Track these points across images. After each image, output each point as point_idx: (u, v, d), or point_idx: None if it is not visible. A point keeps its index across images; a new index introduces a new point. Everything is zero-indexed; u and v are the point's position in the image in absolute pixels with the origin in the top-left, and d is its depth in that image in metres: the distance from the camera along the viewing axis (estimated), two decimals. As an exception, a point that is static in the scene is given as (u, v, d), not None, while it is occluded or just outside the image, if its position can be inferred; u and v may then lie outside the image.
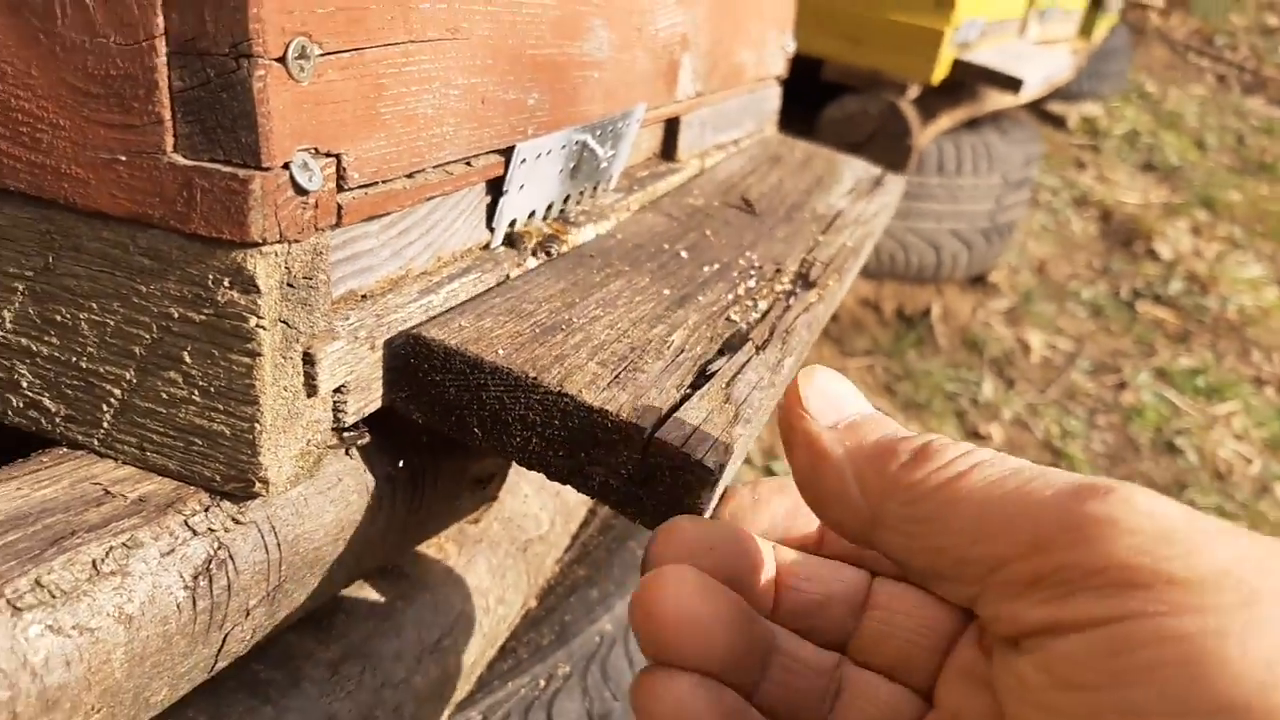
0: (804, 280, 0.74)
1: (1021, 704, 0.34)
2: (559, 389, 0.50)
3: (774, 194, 0.95)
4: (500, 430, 0.52)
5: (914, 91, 2.30)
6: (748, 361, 0.58)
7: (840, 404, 0.43)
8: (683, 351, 0.58)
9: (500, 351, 0.52)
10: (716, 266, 0.72)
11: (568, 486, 0.53)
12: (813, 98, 2.27)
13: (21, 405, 0.52)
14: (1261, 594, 0.29)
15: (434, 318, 0.56)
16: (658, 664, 0.41)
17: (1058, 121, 5.14)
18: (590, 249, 0.70)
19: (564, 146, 0.69)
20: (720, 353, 0.59)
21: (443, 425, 0.54)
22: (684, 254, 0.73)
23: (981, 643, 0.41)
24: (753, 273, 0.73)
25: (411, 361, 0.53)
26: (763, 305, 0.67)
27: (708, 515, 0.50)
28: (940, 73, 2.23)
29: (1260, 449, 2.72)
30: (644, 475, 0.49)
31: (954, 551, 0.36)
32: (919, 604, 0.45)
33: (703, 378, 0.56)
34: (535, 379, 0.51)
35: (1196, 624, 0.29)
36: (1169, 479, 2.49)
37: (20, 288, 0.49)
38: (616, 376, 0.53)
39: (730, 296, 0.67)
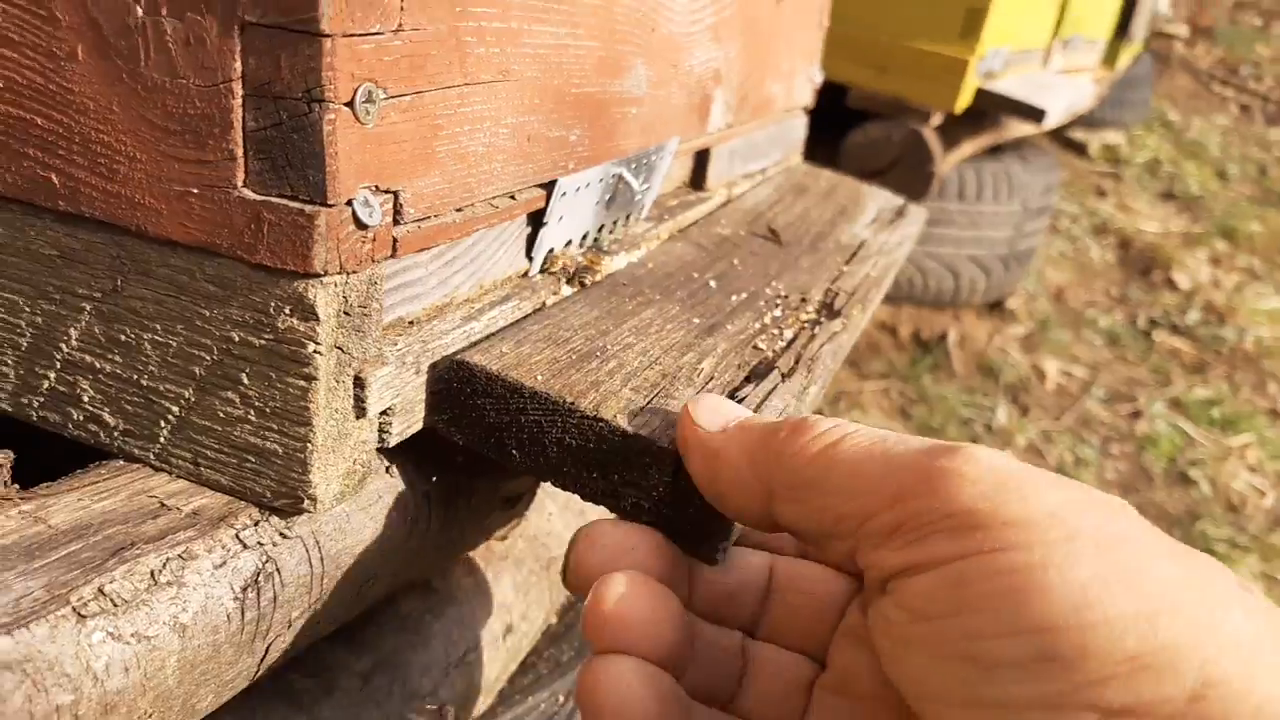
0: (829, 310, 0.76)
1: (887, 639, 0.38)
2: (594, 414, 0.52)
3: (799, 223, 0.96)
4: (538, 453, 0.54)
5: (937, 119, 2.32)
6: (774, 389, 0.60)
7: (726, 414, 0.48)
8: (712, 379, 0.60)
9: (539, 377, 0.55)
10: (744, 296, 0.74)
11: (591, 507, 0.56)
12: (837, 123, 2.29)
13: (82, 419, 0.55)
14: (1081, 531, 0.33)
15: (475, 344, 0.58)
16: (599, 653, 0.45)
17: (1079, 149, 5.15)
18: (623, 277, 0.72)
19: (601, 179, 0.71)
20: (747, 380, 0.61)
21: (482, 447, 0.56)
22: (713, 283, 0.75)
23: (862, 604, 0.45)
24: (779, 302, 0.75)
25: (455, 385, 0.56)
26: (788, 334, 0.69)
27: (733, 539, 0.52)
28: (964, 101, 2.25)
29: (1274, 482, 2.72)
30: (675, 498, 0.51)
31: (832, 510, 0.40)
32: (815, 580, 0.50)
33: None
34: (572, 404, 0.53)
35: (1024, 558, 0.33)
36: (1181, 510, 2.50)
37: (88, 308, 0.51)
38: (649, 402, 0.55)
39: (757, 325, 0.69)
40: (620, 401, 0.54)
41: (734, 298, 0.73)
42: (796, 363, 0.65)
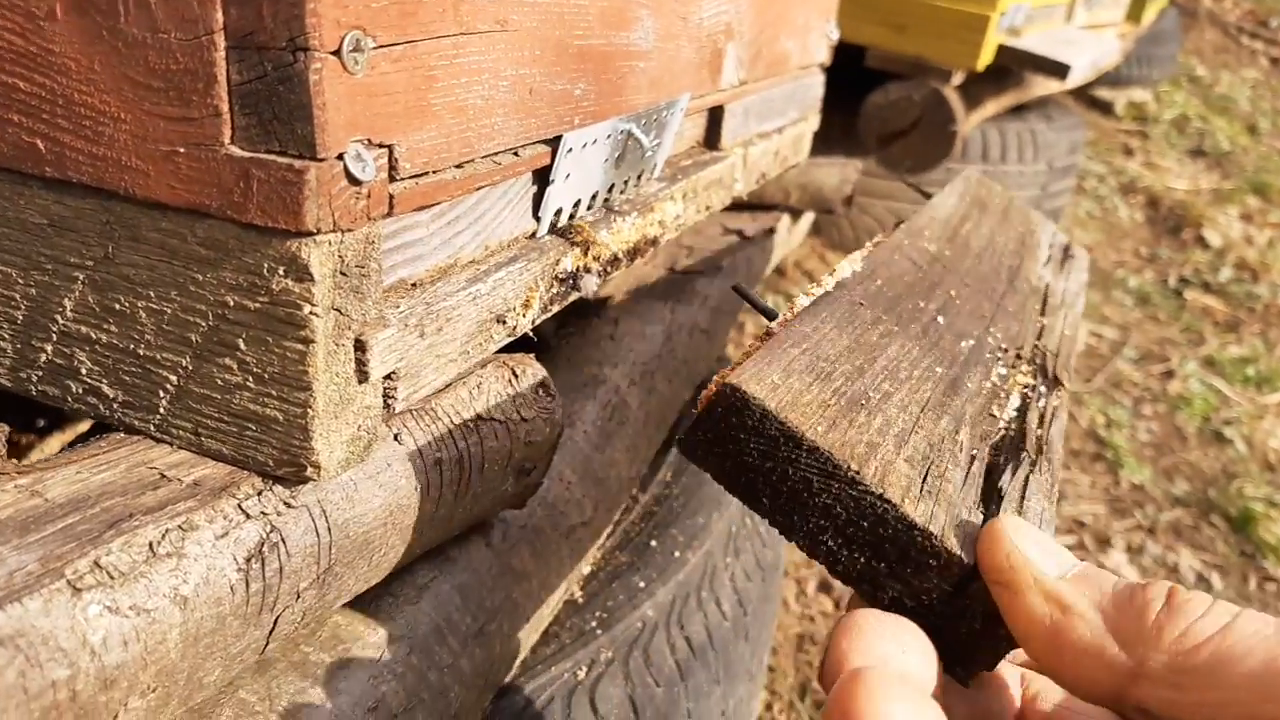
0: (1043, 374, 0.71)
1: None
2: (880, 491, 0.46)
3: (990, 250, 0.91)
4: (793, 510, 0.48)
5: (959, 78, 2.27)
6: (1027, 482, 0.55)
7: (1055, 554, 0.42)
8: (973, 459, 0.54)
9: (818, 428, 0.47)
10: (971, 343, 0.69)
11: (611, 476, 0.53)
12: (857, 85, 2.25)
13: (81, 391, 0.53)
14: None
15: (738, 364, 0.51)
16: None
17: (1105, 107, 5.06)
18: (857, 294, 0.66)
19: (610, 136, 0.69)
20: (996, 462, 0.56)
21: (730, 485, 0.49)
22: (940, 320, 0.70)
23: None
24: (1000, 356, 0.69)
25: (720, 410, 0.48)
26: (1014, 401, 0.64)
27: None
28: (985, 59, 2.20)
29: (1311, 441, 2.67)
30: (950, 610, 0.45)
31: (1235, 708, 0.36)
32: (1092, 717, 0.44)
33: (994, 494, 0.52)
34: (857, 472, 0.46)
35: None
36: (1217, 469, 2.46)
37: (81, 277, 0.50)
38: (925, 483, 0.49)
39: (987, 385, 0.65)
40: (901, 478, 0.47)
41: (962, 344, 0.68)
42: (1038, 453, 0.59)
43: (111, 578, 0.42)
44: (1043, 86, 2.87)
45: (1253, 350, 3.11)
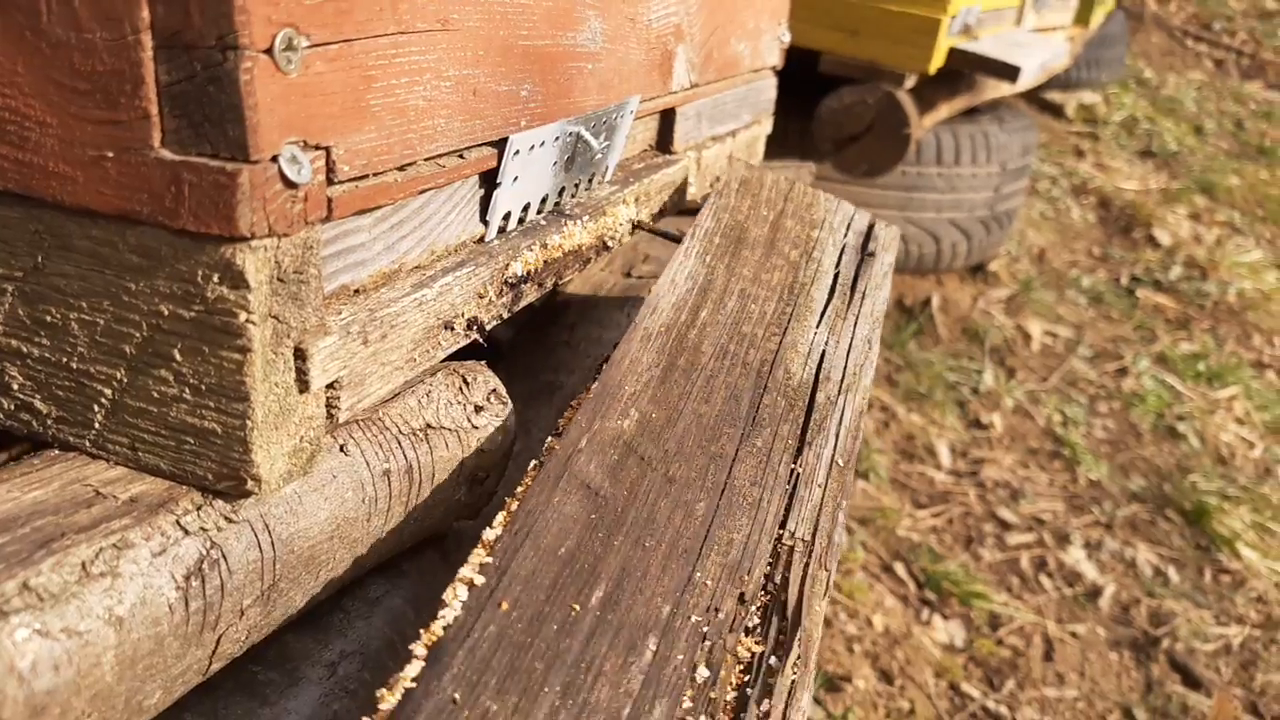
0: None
1: None
2: None
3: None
4: None
5: (911, 81, 2.29)
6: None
7: None
8: None
9: None
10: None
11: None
12: (811, 90, 2.25)
13: (13, 408, 0.52)
14: None
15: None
16: None
17: (1056, 110, 5.12)
18: None
19: (558, 138, 0.68)
20: None
21: None
22: None
23: None
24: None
25: None
26: None
27: None
28: (937, 62, 2.21)
29: (1262, 433, 2.71)
30: None
31: None
32: None
33: None
34: None
35: None
36: (1171, 464, 2.49)
37: (10, 289, 0.48)
38: None
39: None
40: None
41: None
42: None
43: (41, 599, 0.41)
44: (994, 89, 2.90)
45: (1203, 346, 3.15)
